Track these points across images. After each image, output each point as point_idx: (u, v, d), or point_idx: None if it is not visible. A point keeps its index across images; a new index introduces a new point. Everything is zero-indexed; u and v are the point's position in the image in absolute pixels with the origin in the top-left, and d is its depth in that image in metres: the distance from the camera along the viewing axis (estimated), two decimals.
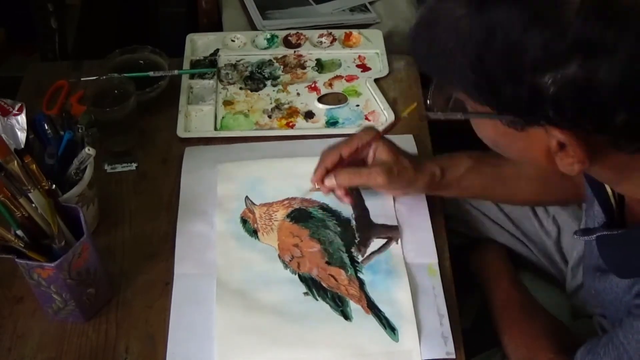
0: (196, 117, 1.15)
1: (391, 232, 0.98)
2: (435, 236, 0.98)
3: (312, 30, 1.31)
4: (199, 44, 1.29)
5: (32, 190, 0.82)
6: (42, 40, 1.58)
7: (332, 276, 0.94)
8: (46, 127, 0.94)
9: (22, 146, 0.92)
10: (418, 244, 0.97)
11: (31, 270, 0.82)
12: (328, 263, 0.95)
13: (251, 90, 1.20)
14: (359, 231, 0.99)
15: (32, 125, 0.95)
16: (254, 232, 0.99)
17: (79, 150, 0.91)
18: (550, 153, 0.62)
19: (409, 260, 0.95)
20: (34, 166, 0.85)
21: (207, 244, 0.97)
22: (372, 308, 0.90)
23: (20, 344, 0.88)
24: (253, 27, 1.48)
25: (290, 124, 1.14)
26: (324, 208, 1.01)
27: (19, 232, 0.81)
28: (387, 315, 0.90)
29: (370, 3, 1.58)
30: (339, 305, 0.91)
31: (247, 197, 1.02)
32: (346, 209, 1.01)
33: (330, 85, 1.21)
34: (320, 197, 1.02)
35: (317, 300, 0.92)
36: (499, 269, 1.08)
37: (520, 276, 1.08)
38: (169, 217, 1.01)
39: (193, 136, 1.12)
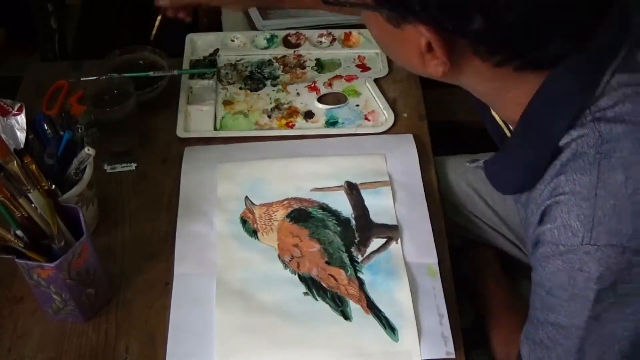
0: (196, 117, 1.15)
1: (391, 232, 0.98)
2: (435, 236, 0.97)
3: (311, 30, 1.31)
4: (199, 43, 1.29)
5: (31, 191, 0.82)
6: (42, 40, 1.58)
7: (332, 276, 0.94)
8: (46, 127, 0.93)
9: (22, 146, 0.92)
10: (418, 244, 0.97)
11: (31, 271, 0.82)
12: (328, 263, 0.95)
13: (251, 90, 1.20)
14: (359, 231, 0.99)
15: (32, 125, 0.95)
16: (253, 232, 0.99)
17: (78, 150, 0.91)
18: (422, 55, 0.67)
19: (408, 260, 0.95)
20: (33, 166, 0.85)
21: (207, 244, 0.97)
22: (372, 308, 0.90)
23: (20, 344, 0.88)
24: (253, 27, 1.48)
25: (290, 123, 1.14)
26: (324, 208, 1.01)
27: (18, 232, 0.81)
28: (387, 315, 0.89)
29: None
30: (339, 305, 0.91)
31: (246, 197, 1.02)
32: (346, 209, 1.01)
33: (330, 85, 1.21)
34: (320, 197, 1.02)
35: (317, 300, 0.92)
36: (485, 271, 1.08)
37: (519, 284, 1.08)
38: (169, 217, 1.01)
39: (193, 136, 1.12)
